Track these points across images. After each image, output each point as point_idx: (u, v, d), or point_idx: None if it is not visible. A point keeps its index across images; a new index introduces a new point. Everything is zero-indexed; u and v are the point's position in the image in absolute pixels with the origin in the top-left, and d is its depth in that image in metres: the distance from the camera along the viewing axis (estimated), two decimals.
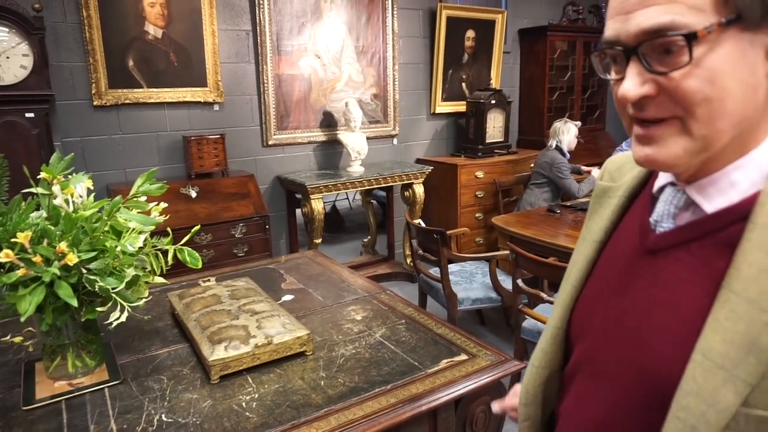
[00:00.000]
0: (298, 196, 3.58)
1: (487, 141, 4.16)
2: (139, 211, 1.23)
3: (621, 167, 0.73)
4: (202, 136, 3.13)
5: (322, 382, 1.23)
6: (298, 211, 3.71)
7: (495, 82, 4.46)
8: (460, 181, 3.97)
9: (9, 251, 1.05)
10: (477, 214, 4.12)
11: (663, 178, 0.61)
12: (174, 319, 1.60)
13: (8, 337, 1.48)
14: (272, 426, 1.07)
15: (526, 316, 2.24)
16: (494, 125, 4.20)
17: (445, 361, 1.31)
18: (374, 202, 4.50)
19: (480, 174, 4.04)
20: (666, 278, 0.56)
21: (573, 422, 0.66)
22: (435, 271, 2.78)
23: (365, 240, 4.37)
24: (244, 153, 3.51)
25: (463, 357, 1.33)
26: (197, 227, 1.33)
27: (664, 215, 0.59)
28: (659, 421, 0.52)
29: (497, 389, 1.31)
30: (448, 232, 2.66)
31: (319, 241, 3.42)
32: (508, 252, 2.46)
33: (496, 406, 0.91)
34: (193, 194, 3.01)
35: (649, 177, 0.66)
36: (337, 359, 1.33)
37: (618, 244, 0.66)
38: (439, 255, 2.56)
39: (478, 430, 1.30)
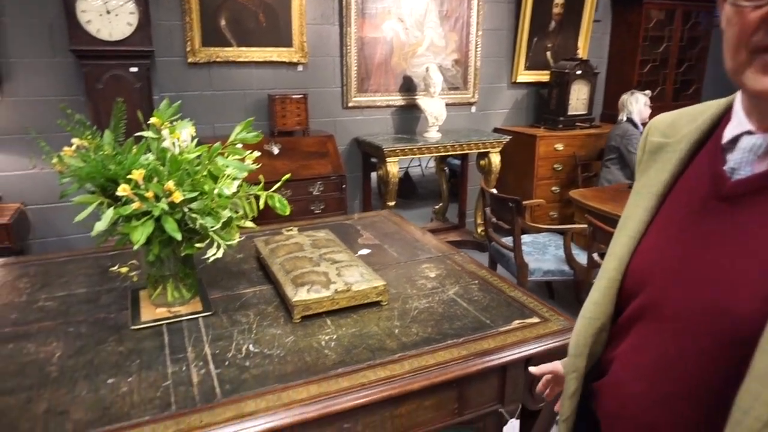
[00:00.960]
0: (374, 160, 3.65)
1: (569, 113, 4.03)
2: (235, 157, 1.32)
3: (673, 123, 0.73)
4: (285, 96, 3.24)
5: (396, 330, 1.29)
6: (373, 175, 3.78)
7: (582, 52, 4.27)
8: (538, 153, 3.89)
9: (126, 186, 1.16)
10: (553, 188, 4.03)
11: (735, 128, 0.61)
12: (259, 262, 1.71)
13: (116, 267, 1.64)
14: (349, 364, 1.15)
15: None
16: (578, 97, 4.05)
17: (517, 321, 1.33)
18: (447, 169, 4.50)
19: (559, 146, 3.94)
20: (744, 223, 0.57)
21: (631, 364, 0.68)
22: (507, 241, 2.77)
23: (436, 207, 4.39)
24: (324, 114, 3.60)
25: (535, 320, 1.34)
26: (288, 175, 1.41)
27: (741, 163, 0.60)
28: (731, 364, 0.53)
29: (566, 354, 1.32)
30: (523, 202, 2.64)
31: (392, 204, 3.48)
32: (584, 226, 2.42)
33: (534, 369, 0.95)
34: (276, 151, 3.14)
35: (713, 129, 0.66)
36: (411, 311, 1.39)
37: (683, 195, 0.67)
38: (512, 224, 2.55)
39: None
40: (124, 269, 1.63)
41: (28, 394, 1.06)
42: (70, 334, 1.28)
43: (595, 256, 2.13)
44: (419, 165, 6.37)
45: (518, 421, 1.30)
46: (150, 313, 1.37)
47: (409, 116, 3.90)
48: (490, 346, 1.22)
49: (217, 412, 1.00)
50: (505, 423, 1.28)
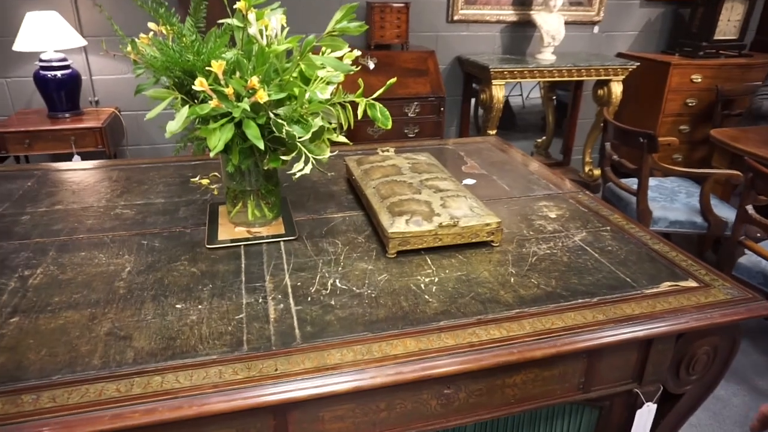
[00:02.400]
0: (475, 86, 3.29)
1: (714, 38, 3.40)
2: (333, 53, 1.08)
3: None
4: (386, 4, 2.92)
5: (512, 279, 1.05)
6: (473, 101, 3.44)
7: None
8: (670, 84, 3.35)
9: (203, 80, 0.97)
10: (682, 126, 3.49)
11: None
12: (350, 184, 1.51)
13: (197, 178, 1.51)
14: (455, 316, 0.93)
15: (746, 251, 1.83)
16: (729, 18, 3.40)
17: (668, 284, 1.05)
18: (555, 99, 4.04)
19: (697, 78, 3.36)
20: None
21: None
22: (628, 183, 2.40)
23: (539, 140, 4.00)
24: (426, 27, 3.26)
25: (692, 283, 1.05)
26: (393, 80, 1.16)
27: None
28: None
29: (730, 333, 1.03)
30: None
31: (492, 133, 3.15)
32: (735, 172, 2.00)
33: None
34: (371, 65, 2.86)
35: None
36: (529, 257, 1.14)
37: None
38: (640, 163, 2.17)
39: (694, 373, 1.05)
40: (204, 181, 1.49)
41: (93, 311, 0.94)
42: (142, 247, 1.16)
43: (750, 208, 1.75)
44: (520, 94, 5.86)
45: (655, 405, 1.05)
46: (228, 232, 1.22)
47: (520, 34, 3.46)
48: (634, 312, 0.96)
49: (294, 360, 0.82)
50: (640, 406, 1.03)
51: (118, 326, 0.90)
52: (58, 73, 2.63)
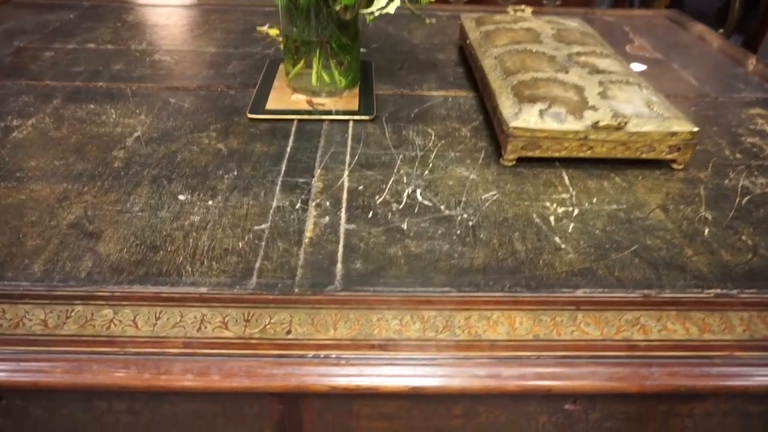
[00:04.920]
0: None
1: None
2: None
3: None
4: None
5: (706, 231, 0.63)
6: None
7: None
8: None
9: None
10: None
11: None
12: (461, 55, 1.08)
13: (265, 27, 1.16)
14: (604, 283, 0.55)
15: None
16: None
17: None
18: None
19: None
20: None
21: None
22: None
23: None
24: None
25: None
26: None
27: None
28: None
29: None
30: None
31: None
32: None
33: None
34: None
35: None
36: (735, 195, 0.69)
37: None
38: None
39: None
40: (273, 31, 1.13)
41: (68, 188, 0.66)
42: (167, 107, 0.85)
43: None
44: None
45: None
46: (281, 99, 0.88)
47: None
48: None
49: (323, 319, 0.50)
50: None
51: (90, 216, 0.62)
52: None
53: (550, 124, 0.70)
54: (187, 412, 0.52)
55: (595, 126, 0.70)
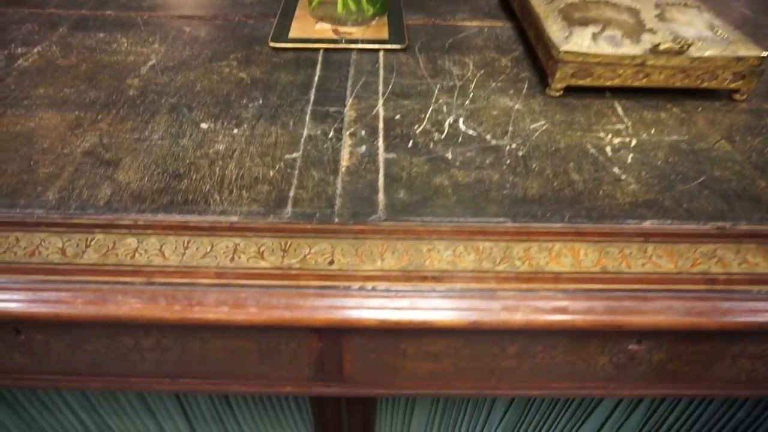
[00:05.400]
0: None
1: None
2: None
3: None
4: None
5: None
6: None
7: None
8: None
9: None
10: None
11: None
12: None
13: None
14: (672, 214, 0.50)
15: None
16: None
17: None
18: None
19: None
20: None
21: None
22: None
23: None
24: None
25: None
26: None
27: None
28: None
29: None
30: None
31: None
32: None
33: None
34: None
35: None
36: None
37: None
38: None
39: None
40: None
41: (81, 116, 0.61)
42: (181, 36, 0.79)
43: None
44: None
45: None
46: (304, 28, 0.81)
47: None
48: None
49: (368, 248, 0.45)
50: None
51: (107, 144, 0.57)
52: None
53: (605, 48, 0.64)
54: (218, 349, 0.48)
55: (654, 50, 0.63)
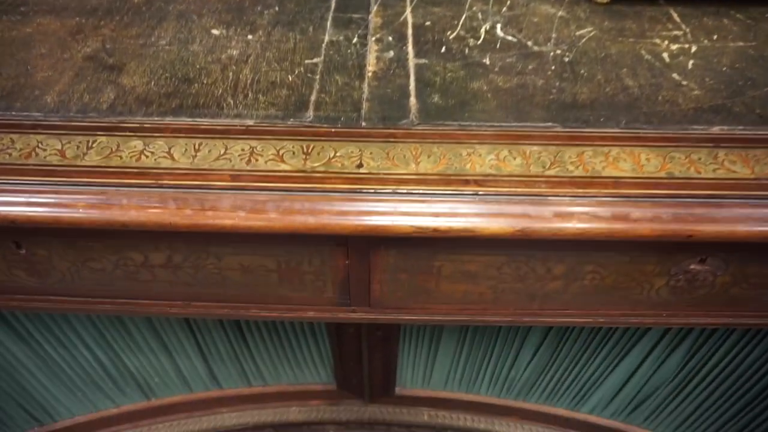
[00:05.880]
0: None
1: None
2: None
3: None
4: None
5: None
6: None
7: None
8: None
9: None
10: None
11: None
12: None
13: None
14: (743, 119, 0.44)
15: None
16: None
17: None
18: None
19: None
20: None
21: None
22: None
23: None
24: None
25: None
26: None
27: None
28: None
29: None
30: None
31: None
32: None
33: None
34: None
35: None
36: None
37: None
38: None
39: None
40: None
41: (82, 22, 0.55)
42: None
43: None
44: None
45: None
46: None
47: None
48: None
49: (400, 151, 0.40)
50: None
51: (110, 49, 0.52)
52: None
53: None
54: (234, 268, 0.44)
55: None
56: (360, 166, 0.39)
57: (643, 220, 0.37)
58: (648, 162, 0.40)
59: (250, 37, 0.54)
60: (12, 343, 0.74)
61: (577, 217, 0.37)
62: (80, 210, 0.37)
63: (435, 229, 0.37)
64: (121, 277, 0.45)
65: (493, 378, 0.88)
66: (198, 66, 0.49)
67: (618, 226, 0.37)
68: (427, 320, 0.49)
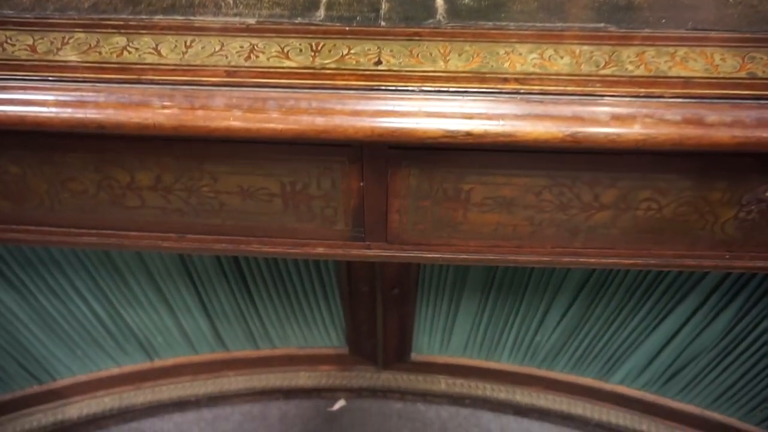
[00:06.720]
0: None
1: None
2: None
3: None
4: None
5: None
6: None
7: None
8: None
9: None
10: None
11: None
12: None
13: None
14: None
15: None
16: None
17: None
18: None
19: None
20: None
21: None
22: None
23: None
24: None
25: None
26: None
27: None
28: None
29: None
30: None
31: None
32: None
33: None
34: None
35: None
36: None
37: None
38: None
39: None
40: None
41: None
42: None
43: None
44: None
45: None
46: None
47: None
48: None
49: (426, 48, 0.34)
50: None
51: None
52: None
53: None
54: (232, 190, 0.38)
55: None
56: (378, 63, 0.33)
57: (721, 125, 0.30)
58: (723, 62, 0.33)
59: None
60: (3, 292, 0.70)
61: (640, 120, 0.30)
62: (51, 108, 0.32)
63: (468, 133, 0.31)
64: (106, 202, 0.40)
65: (516, 343, 0.82)
66: None
67: (690, 131, 0.30)
68: (452, 259, 0.43)
